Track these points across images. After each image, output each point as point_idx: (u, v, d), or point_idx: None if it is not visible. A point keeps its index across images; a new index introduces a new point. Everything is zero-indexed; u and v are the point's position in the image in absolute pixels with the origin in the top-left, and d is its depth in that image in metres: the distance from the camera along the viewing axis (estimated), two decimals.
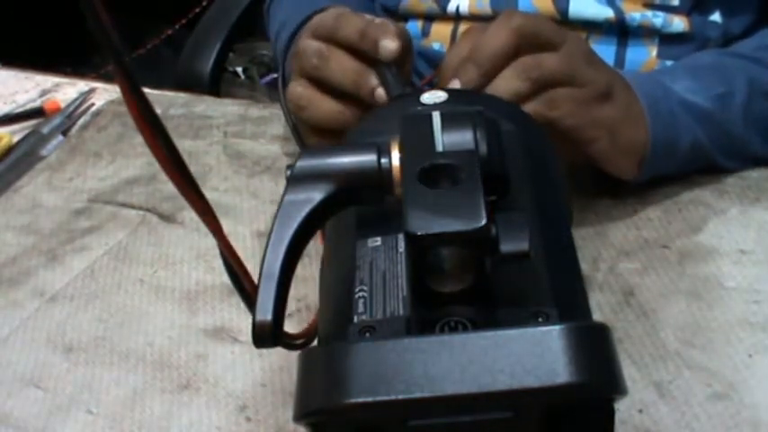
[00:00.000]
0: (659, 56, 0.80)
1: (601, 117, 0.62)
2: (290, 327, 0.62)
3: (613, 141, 0.64)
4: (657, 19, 0.78)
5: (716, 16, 0.80)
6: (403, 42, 0.64)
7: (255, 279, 0.41)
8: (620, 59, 0.80)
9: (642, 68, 0.80)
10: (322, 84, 0.66)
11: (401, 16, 0.90)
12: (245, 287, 0.41)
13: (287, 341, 0.44)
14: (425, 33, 0.87)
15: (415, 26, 0.88)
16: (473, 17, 0.83)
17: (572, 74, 0.61)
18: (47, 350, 0.63)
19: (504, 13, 0.62)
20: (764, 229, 0.66)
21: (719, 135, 0.69)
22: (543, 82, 0.59)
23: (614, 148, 0.64)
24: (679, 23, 0.78)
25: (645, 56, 0.80)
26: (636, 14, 0.78)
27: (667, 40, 0.79)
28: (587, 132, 0.62)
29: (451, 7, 0.84)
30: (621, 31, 0.80)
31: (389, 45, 0.64)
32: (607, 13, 0.78)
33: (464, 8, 0.83)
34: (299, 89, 0.68)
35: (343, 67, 0.65)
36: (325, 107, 0.67)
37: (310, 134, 0.70)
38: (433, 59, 0.87)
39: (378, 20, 0.66)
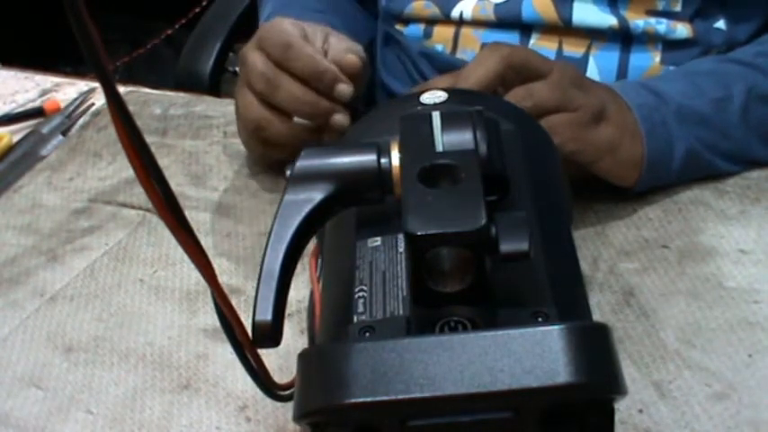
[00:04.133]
0: (663, 62, 0.79)
1: (599, 138, 0.64)
2: (290, 327, 0.62)
3: (614, 158, 0.65)
4: (661, 26, 0.78)
5: (720, 23, 0.79)
6: (356, 76, 0.68)
7: (249, 312, 0.40)
8: (623, 66, 0.80)
9: (646, 75, 0.80)
10: (274, 107, 0.69)
11: (404, 20, 0.90)
12: (236, 335, 0.40)
13: (276, 392, 0.44)
14: (427, 35, 0.87)
15: (417, 28, 0.88)
16: (476, 23, 0.84)
17: (564, 99, 0.62)
18: (47, 350, 0.63)
19: (491, 44, 0.63)
20: (764, 229, 0.66)
21: (718, 139, 0.69)
22: (537, 110, 0.61)
23: (615, 165, 0.66)
24: (682, 30, 0.78)
25: (648, 62, 0.80)
26: (639, 21, 0.78)
27: (671, 46, 0.79)
28: (588, 155, 0.64)
29: (455, 13, 0.84)
30: (625, 38, 0.80)
31: (346, 90, 0.67)
32: (610, 20, 0.78)
33: (467, 14, 0.83)
34: (254, 112, 0.70)
35: (294, 96, 0.68)
36: (284, 130, 0.70)
37: (263, 147, 0.73)
38: (436, 61, 0.87)
39: (330, 54, 0.69)
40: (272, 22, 0.70)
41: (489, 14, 0.82)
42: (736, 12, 0.79)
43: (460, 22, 0.84)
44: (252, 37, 0.71)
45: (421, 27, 0.88)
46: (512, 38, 0.82)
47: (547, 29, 0.81)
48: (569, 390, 0.33)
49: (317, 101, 0.68)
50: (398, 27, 0.90)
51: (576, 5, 0.79)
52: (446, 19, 0.85)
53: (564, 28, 0.80)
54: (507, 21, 0.82)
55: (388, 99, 0.94)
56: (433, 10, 0.85)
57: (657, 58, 0.80)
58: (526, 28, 0.82)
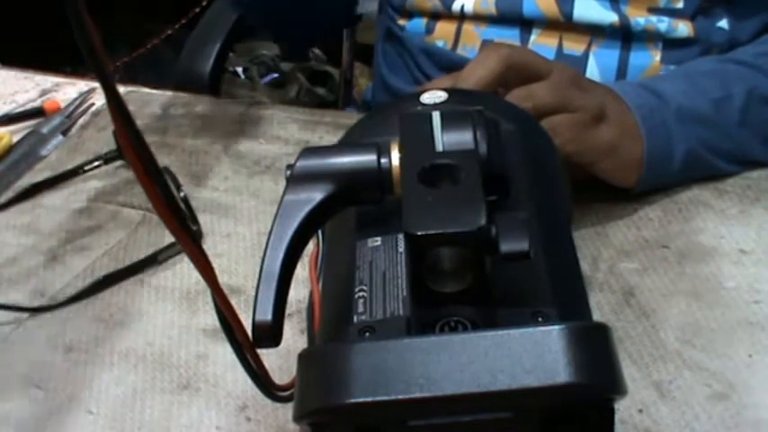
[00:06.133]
0: (663, 61, 0.79)
1: (599, 139, 0.64)
2: (290, 327, 0.62)
3: (614, 159, 0.65)
4: (662, 24, 0.78)
5: (723, 23, 0.79)
6: None
7: (246, 316, 0.40)
8: (623, 64, 0.80)
9: (646, 74, 0.80)
10: None
11: (407, 12, 0.90)
12: (236, 335, 0.40)
13: (276, 393, 0.44)
14: (429, 31, 0.87)
15: (419, 23, 0.88)
16: (477, 17, 0.83)
17: (563, 100, 0.62)
18: (47, 350, 0.63)
19: (491, 45, 0.63)
20: (764, 229, 0.66)
21: (718, 139, 0.69)
22: (537, 111, 0.61)
23: (615, 166, 0.66)
24: (684, 28, 0.78)
25: (648, 61, 0.80)
26: (640, 19, 0.78)
27: (671, 45, 0.79)
28: (588, 156, 0.64)
29: (456, 6, 0.84)
30: (625, 35, 0.80)
31: None
32: (611, 17, 0.78)
33: (469, 7, 0.83)
34: None
35: None
36: None
37: None
38: (437, 57, 0.87)
39: None
40: None
41: (490, 7, 0.82)
42: (740, 10, 0.79)
43: (462, 16, 0.84)
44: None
45: (423, 22, 0.88)
46: (512, 34, 0.82)
47: (547, 24, 0.81)
48: (569, 390, 0.33)
49: None
50: (401, 22, 0.90)
51: (577, 1, 0.79)
52: (447, 12, 0.85)
53: (565, 24, 0.80)
54: (508, 15, 0.82)
55: (388, 96, 0.94)
56: (434, 3, 0.85)
57: (657, 57, 0.79)
58: (527, 23, 0.82)
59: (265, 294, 0.40)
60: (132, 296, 0.67)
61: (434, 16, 0.87)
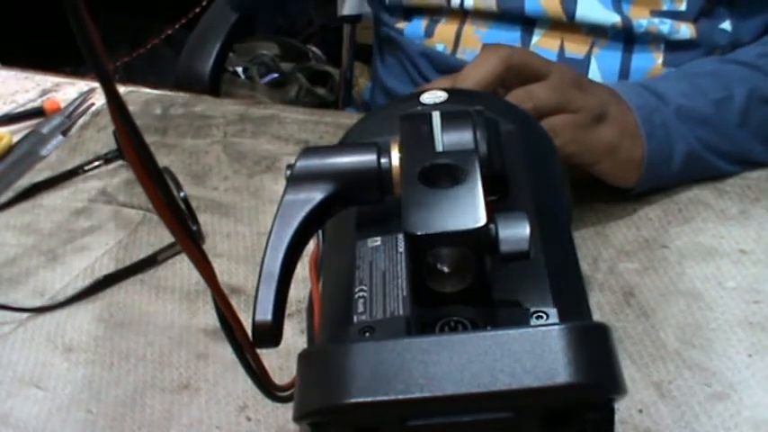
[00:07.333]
0: (665, 63, 0.79)
1: (599, 140, 0.64)
2: (290, 327, 0.62)
3: (614, 160, 0.65)
4: (664, 26, 0.78)
5: (725, 24, 0.79)
6: None
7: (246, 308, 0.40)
8: (625, 67, 0.80)
9: (647, 76, 0.79)
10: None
11: (405, 11, 0.89)
12: (236, 335, 0.40)
13: (276, 393, 0.44)
14: (429, 34, 0.87)
15: (418, 26, 0.88)
16: (478, 13, 0.83)
17: (564, 101, 0.62)
18: (47, 350, 0.63)
19: (491, 45, 0.63)
20: (764, 229, 0.66)
21: (718, 140, 0.69)
22: (537, 112, 0.61)
23: (615, 166, 0.66)
24: (686, 30, 0.78)
25: (650, 63, 0.80)
26: (643, 20, 0.78)
27: (673, 47, 0.79)
28: (588, 156, 0.64)
29: (455, 1, 0.83)
30: (627, 37, 0.79)
31: None
32: (614, 18, 0.78)
33: (469, 3, 0.83)
34: None
35: None
36: None
37: None
38: (436, 61, 0.87)
39: None
40: None
41: (491, 5, 0.82)
42: (742, 12, 0.79)
43: (463, 13, 0.84)
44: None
45: (422, 25, 0.87)
46: (514, 35, 0.82)
47: (549, 24, 0.81)
48: (569, 390, 0.33)
49: None
50: (399, 26, 0.90)
51: (580, 1, 0.79)
52: (448, 7, 0.84)
53: (567, 24, 0.80)
54: (510, 13, 0.81)
55: (387, 98, 0.94)
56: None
57: (659, 60, 0.79)
58: (529, 23, 0.81)
59: (265, 294, 0.40)
60: (132, 296, 0.67)
61: (433, 16, 0.87)
